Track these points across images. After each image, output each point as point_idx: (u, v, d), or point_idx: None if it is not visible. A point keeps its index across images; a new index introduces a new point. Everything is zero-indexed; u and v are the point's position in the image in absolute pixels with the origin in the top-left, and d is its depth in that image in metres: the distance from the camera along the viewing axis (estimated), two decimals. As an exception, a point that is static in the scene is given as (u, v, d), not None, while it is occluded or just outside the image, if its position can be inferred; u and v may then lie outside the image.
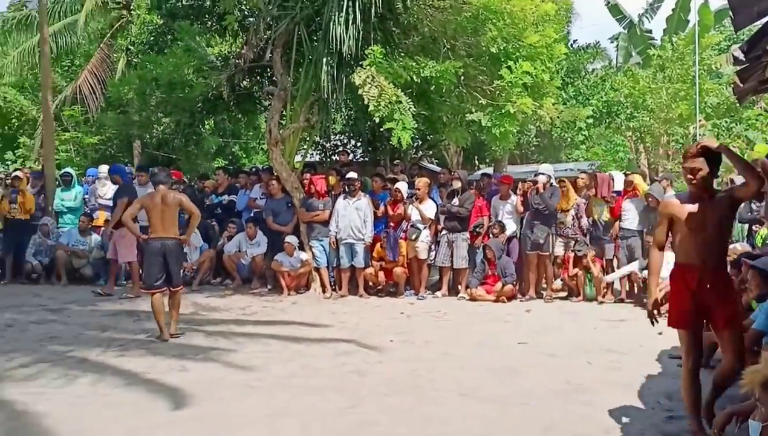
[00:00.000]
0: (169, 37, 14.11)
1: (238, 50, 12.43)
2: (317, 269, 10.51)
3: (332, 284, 10.59)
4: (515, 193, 10.73)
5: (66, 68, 21.13)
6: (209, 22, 12.86)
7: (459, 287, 10.34)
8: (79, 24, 17.99)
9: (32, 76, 20.71)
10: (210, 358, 6.42)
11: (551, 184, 10.13)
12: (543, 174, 10.18)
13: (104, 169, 12.31)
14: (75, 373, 5.77)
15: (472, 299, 9.93)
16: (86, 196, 12.20)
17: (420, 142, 16.06)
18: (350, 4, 9.49)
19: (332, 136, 16.28)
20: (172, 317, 7.38)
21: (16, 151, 21.67)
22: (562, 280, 10.35)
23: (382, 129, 9.97)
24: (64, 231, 11.57)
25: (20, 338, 7.18)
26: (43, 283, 11.32)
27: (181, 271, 10.49)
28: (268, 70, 12.27)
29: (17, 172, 12.69)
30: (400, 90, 9.37)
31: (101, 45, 19.16)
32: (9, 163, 20.89)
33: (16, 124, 22.36)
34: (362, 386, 5.48)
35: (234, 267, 11.04)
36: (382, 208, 10.61)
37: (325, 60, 9.85)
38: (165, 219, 7.32)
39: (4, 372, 5.79)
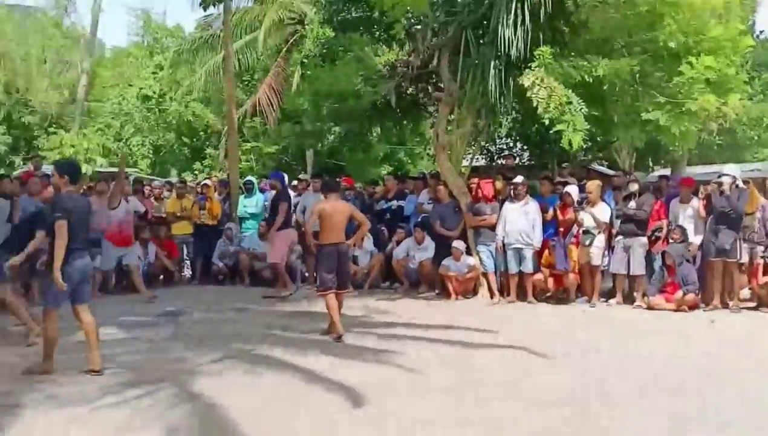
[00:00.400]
0: (340, 49, 14.66)
1: (405, 58, 12.68)
2: (484, 274, 10.44)
3: (500, 289, 10.47)
4: (696, 196, 10.07)
5: (246, 83, 22.53)
6: (377, 32, 13.21)
7: (635, 294, 9.85)
8: (259, 41, 19.12)
9: (217, 92, 22.30)
10: (381, 360, 6.56)
11: (737, 186, 9.40)
12: (728, 175, 9.47)
13: (283, 177, 12.98)
14: (259, 370, 6.13)
15: (650, 307, 9.42)
16: (266, 202, 12.93)
17: (590, 144, 15.53)
18: (519, 5, 9.36)
19: (498, 140, 16.16)
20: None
21: (203, 162, 23.46)
22: (750, 289, 9.57)
23: (551, 132, 9.74)
24: (246, 236, 12.33)
25: (209, 336, 7.72)
26: (228, 284, 12.11)
27: (353, 274, 10.93)
28: (434, 76, 12.39)
29: (206, 181, 13.78)
30: (570, 91, 9.12)
31: (278, 60, 20.28)
32: (197, 172, 22.64)
33: (203, 136, 24.19)
34: (533, 394, 5.37)
35: (402, 271, 11.22)
36: (551, 212, 10.36)
37: (492, 63, 9.78)
38: (338, 226, 7.74)
39: (196, 367, 6.26)
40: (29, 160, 16.43)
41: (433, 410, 4.99)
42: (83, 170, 19.14)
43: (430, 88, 12.97)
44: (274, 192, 11.41)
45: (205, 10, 15.36)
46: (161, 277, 12.05)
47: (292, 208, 12.32)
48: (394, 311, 9.39)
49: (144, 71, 26.11)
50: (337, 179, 11.83)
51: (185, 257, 12.86)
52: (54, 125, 26.89)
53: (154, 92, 24.53)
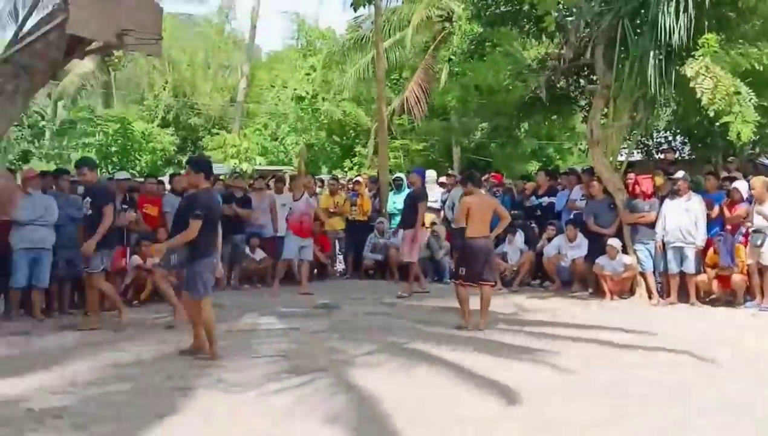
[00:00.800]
0: (488, 44, 14.53)
1: (556, 51, 12.39)
2: (642, 274, 9.99)
3: (659, 290, 9.98)
4: None
5: (394, 81, 22.91)
6: (526, 26, 12.99)
7: (812, 298, 9.06)
8: (407, 39, 19.41)
9: (366, 90, 22.84)
10: (533, 358, 6.45)
11: None
12: None
13: (430, 174, 13.09)
14: (412, 364, 6.21)
15: (830, 312, 8.65)
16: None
17: (758, 137, 14.44)
18: (682, -9, 8.91)
19: (656, 134, 15.41)
20: (484, 311, 7.86)
21: (352, 159, 24.12)
22: None
23: (716, 124, 9.17)
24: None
25: (362, 329, 7.92)
26: (378, 278, 12.37)
27: (502, 271, 10.89)
28: (586, 68, 12.03)
29: (358, 178, 14.16)
30: (738, 80, 8.54)
31: (425, 57, 20.47)
32: (347, 169, 23.32)
33: (353, 134, 24.86)
34: (695, 401, 5.10)
35: (554, 269, 10.98)
36: (716, 209, 9.75)
37: (651, 53, 9.36)
38: (483, 220, 7.91)
39: (351, 358, 6.44)
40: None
41: (589, 412, 4.84)
42: (244, 168, 20.32)
43: (582, 81, 12.63)
44: (412, 188, 11.40)
45: (355, 11, 15.69)
46: (315, 270, 12.50)
47: (441, 204, 12.43)
48: (545, 310, 9.22)
49: (298, 73, 27.23)
50: (487, 175, 11.77)
51: (337, 251, 13.26)
52: (216, 126, 28.76)
53: (307, 93, 25.50)
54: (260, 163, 22.73)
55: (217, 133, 26.06)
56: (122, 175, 11.28)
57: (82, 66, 24.88)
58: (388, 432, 4.46)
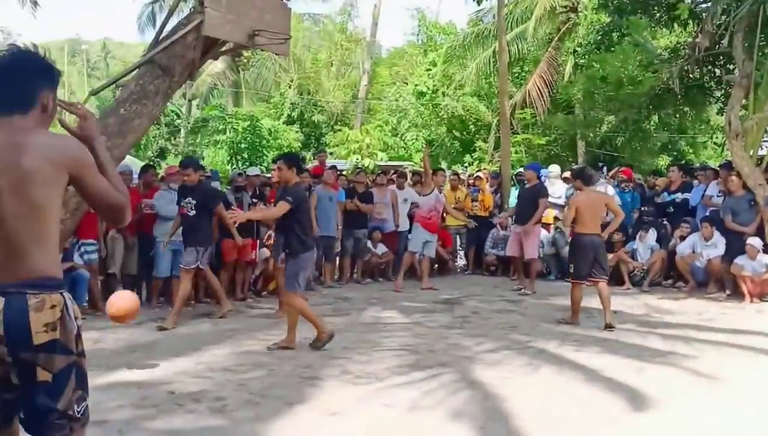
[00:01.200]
0: (616, 34, 14.05)
1: (691, 39, 11.82)
2: (786, 276, 9.36)
3: (805, 293, 9.32)
4: None
5: (516, 75, 22.53)
6: (657, 14, 12.45)
7: None
8: (529, 31, 19.08)
9: (487, 85, 22.61)
10: (668, 362, 6.18)
11: None
12: None
13: (554, 169, 12.80)
14: (536, 363, 6.10)
15: None
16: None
17: None
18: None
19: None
20: (606, 308, 7.64)
21: (472, 154, 23.95)
22: None
23: None
24: (517, 227, 12.33)
25: (485, 325, 7.89)
26: (500, 275, 12.23)
27: (631, 270, 10.54)
28: (722, 57, 11.39)
29: (479, 173, 14.05)
30: None
31: (548, 49, 20.03)
32: (467, 165, 23.18)
33: (473, 129, 24.68)
34: None
35: (687, 269, 10.44)
36: None
37: (797, 40, 8.75)
38: (593, 217, 7.77)
39: (474, 355, 6.42)
40: (316, 156, 18.06)
41: (728, 420, 4.60)
42: (366, 164, 20.67)
43: (718, 70, 12.01)
44: (527, 183, 11.11)
45: (479, 4, 15.65)
46: (435, 266, 12.51)
47: (566, 199, 12.12)
48: (678, 311, 8.82)
49: (418, 68, 27.33)
50: (615, 169, 11.39)
51: (458, 247, 13.22)
52: (339, 123, 29.40)
53: (428, 88, 25.53)
54: (382, 159, 23.00)
55: (340, 130, 26.63)
56: (253, 170, 11.71)
57: (214, 66, 26.17)
58: (513, 432, 4.40)
